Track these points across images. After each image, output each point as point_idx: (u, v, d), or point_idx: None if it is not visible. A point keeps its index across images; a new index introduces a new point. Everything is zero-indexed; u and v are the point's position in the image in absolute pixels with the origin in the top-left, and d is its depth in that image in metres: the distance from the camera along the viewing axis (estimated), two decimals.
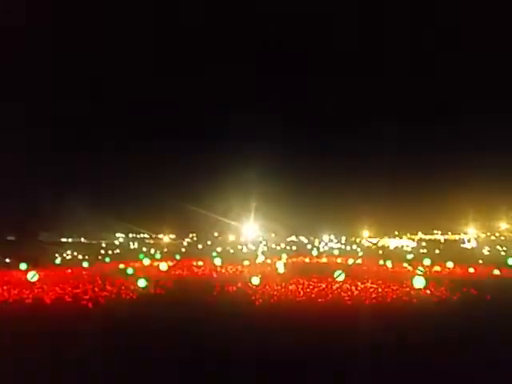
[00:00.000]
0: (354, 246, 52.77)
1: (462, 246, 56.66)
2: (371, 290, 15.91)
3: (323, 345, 8.64)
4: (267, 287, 16.81)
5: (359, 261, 31.48)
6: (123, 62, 49.80)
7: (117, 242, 62.47)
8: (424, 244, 57.53)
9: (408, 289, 16.02)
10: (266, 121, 52.84)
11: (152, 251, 42.28)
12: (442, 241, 65.76)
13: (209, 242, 58.51)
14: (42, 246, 43.15)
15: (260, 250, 43.67)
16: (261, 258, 32.82)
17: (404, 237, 64.49)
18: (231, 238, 64.14)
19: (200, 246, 54.24)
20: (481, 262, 28.28)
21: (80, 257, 36.33)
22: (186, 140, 55.74)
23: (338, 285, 17.02)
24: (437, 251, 38.85)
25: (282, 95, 55.83)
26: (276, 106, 56.40)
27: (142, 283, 17.43)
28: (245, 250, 46.60)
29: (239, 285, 17.63)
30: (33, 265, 25.55)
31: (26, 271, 23.04)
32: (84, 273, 24.19)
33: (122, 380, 7.07)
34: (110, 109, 53.44)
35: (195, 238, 67.43)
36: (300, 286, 16.89)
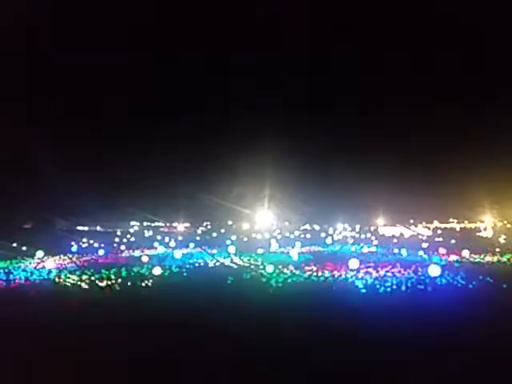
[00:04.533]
0: (369, 235, 52.43)
1: (478, 234, 56.01)
2: (385, 278, 15.82)
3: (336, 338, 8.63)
4: (281, 275, 16.82)
5: (373, 249, 31.34)
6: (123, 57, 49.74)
7: (132, 230, 62.95)
8: (439, 232, 57.00)
9: (423, 277, 15.89)
10: (280, 109, 52.54)
11: (166, 239, 42.50)
12: (458, 229, 65.08)
13: (223, 231, 58.64)
14: (58, 234, 43.71)
15: (274, 238, 43.63)
16: (275, 246, 32.80)
17: (419, 225, 63.93)
18: (245, 226, 64.19)
19: (214, 235, 54.39)
20: (497, 250, 27.90)
21: (96, 245, 36.70)
22: (201, 129, 55.61)
23: (352, 273, 16.94)
24: (453, 241, 38.44)
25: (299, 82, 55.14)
26: (291, 94, 55.90)
27: (156, 271, 17.53)
28: (259, 238, 46.59)
29: (253, 273, 17.67)
30: (49, 253, 25.88)
31: (43, 259, 23.41)
32: (100, 260, 24.44)
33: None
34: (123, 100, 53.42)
35: (209, 227, 67.63)
36: (314, 274, 16.87)
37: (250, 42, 50.17)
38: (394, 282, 14.75)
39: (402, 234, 54.91)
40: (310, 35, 47.32)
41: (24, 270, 19.17)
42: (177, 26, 46.84)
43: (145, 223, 68.25)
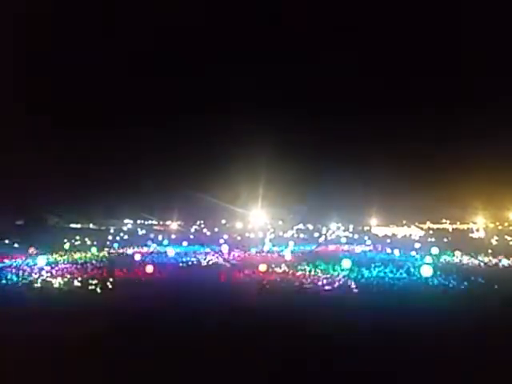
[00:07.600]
0: (362, 235, 52.51)
1: (470, 235, 56.26)
2: (378, 278, 15.86)
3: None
4: (274, 274, 16.81)
5: (367, 248, 31.43)
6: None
7: (125, 228, 62.57)
8: (431, 233, 57.21)
9: (415, 277, 15.95)
10: (273, 108, 52.45)
11: (160, 237, 42.33)
12: (451, 230, 65.32)
13: (216, 229, 58.51)
14: (51, 231, 43.41)
15: (267, 237, 43.61)
16: (268, 246, 32.79)
17: (412, 226, 64.06)
18: (239, 225, 64.01)
19: (208, 233, 54.30)
20: (490, 251, 28.01)
21: (89, 242, 36.45)
22: (195, 129, 55.57)
23: (344, 273, 16.96)
24: (445, 240, 38.73)
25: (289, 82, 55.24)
26: (284, 94, 56.02)
27: (149, 269, 17.48)
28: (252, 237, 46.54)
29: (246, 272, 17.62)
30: (41, 250, 25.68)
31: (35, 256, 23.24)
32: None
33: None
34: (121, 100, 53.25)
35: (203, 225, 67.39)
36: (307, 274, 16.87)
37: (250, 41, 50.17)
38: (386, 282, 14.82)
39: (394, 234, 55.06)
40: (310, 35, 47.38)
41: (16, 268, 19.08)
42: (176, 25, 46.71)
43: (138, 221, 68.03)
